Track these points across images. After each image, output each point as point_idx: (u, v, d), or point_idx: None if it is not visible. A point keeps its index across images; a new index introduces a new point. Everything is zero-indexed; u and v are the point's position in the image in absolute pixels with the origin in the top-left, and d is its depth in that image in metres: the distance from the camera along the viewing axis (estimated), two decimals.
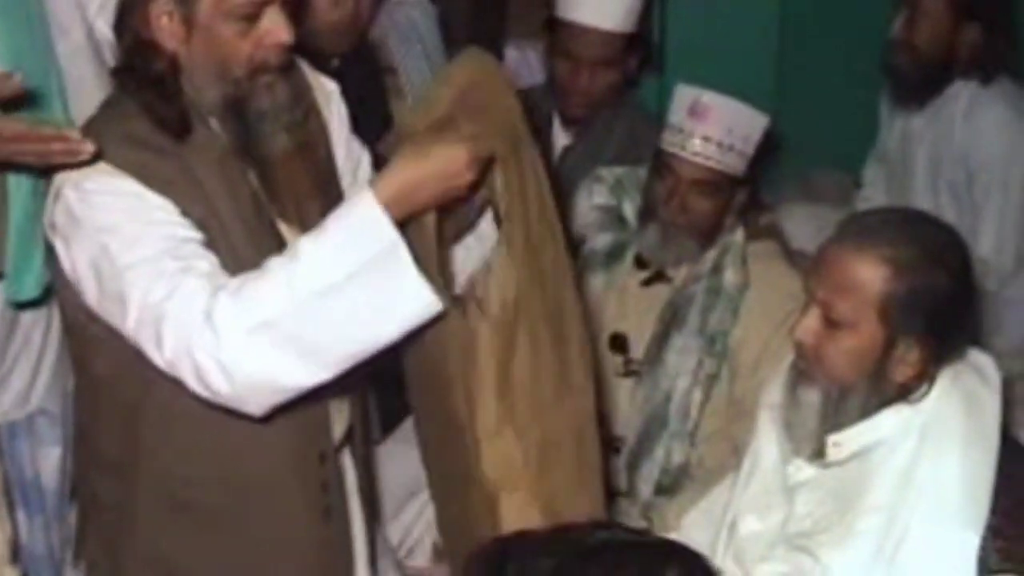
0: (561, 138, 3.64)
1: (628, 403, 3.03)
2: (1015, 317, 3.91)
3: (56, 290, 2.36)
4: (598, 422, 3.02)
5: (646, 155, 3.17)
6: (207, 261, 2.13)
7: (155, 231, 2.11)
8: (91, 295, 2.16)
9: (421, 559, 3.13)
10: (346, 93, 2.47)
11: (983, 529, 2.08)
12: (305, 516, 2.39)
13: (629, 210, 3.14)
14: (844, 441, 2.18)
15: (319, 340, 2.07)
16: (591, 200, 3.19)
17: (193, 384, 2.09)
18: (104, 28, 3.03)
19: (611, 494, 3.09)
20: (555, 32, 3.56)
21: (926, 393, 2.15)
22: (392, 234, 2.06)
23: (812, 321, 2.15)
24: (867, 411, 2.16)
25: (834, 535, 2.16)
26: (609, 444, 3.05)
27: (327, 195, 2.30)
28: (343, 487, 2.49)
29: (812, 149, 4.82)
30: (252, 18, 2.11)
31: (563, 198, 3.46)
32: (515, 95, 2.28)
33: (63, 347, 2.96)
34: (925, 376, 2.14)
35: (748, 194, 3.05)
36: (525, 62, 4.04)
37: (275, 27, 2.12)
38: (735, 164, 2.96)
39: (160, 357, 2.10)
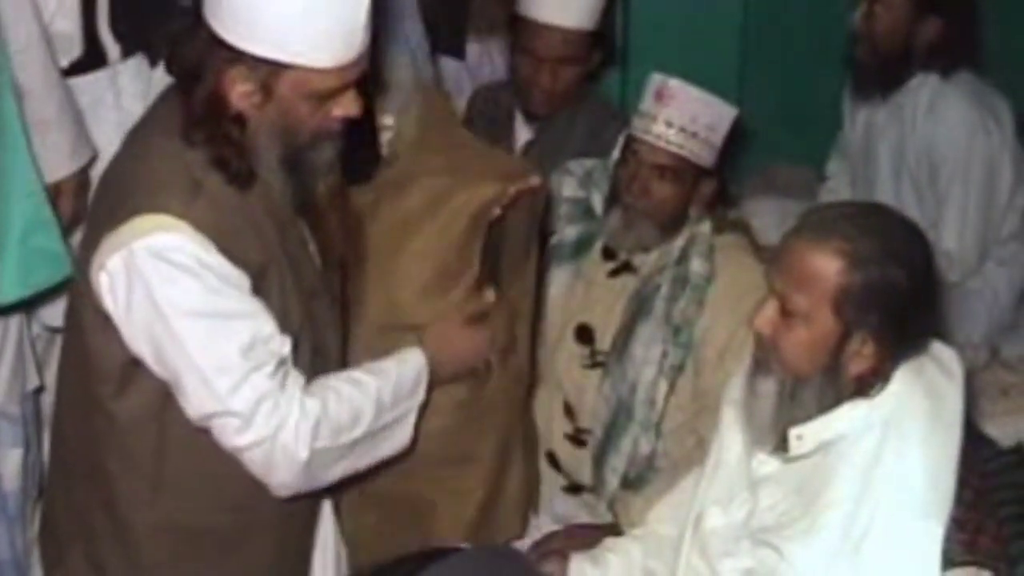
0: (523, 133, 3.63)
1: (595, 395, 3.02)
2: (978, 309, 3.93)
3: (78, 326, 2.34)
4: (565, 413, 3.06)
5: (608, 149, 3.17)
6: (280, 357, 2.27)
7: (235, 325, 2.21)
8: (147, 357, 2.24)
9: None
10: None
11: (947, 520, 2.08)
12: (302, 536, 2.58)
13: (598, 202, 3.13)
14: (806, 435, 2.18)
15: (360, 462, 2.43)
16: (561, 193, 3.18)
17: (253, 470, 2.29)
18: (64, 25, 3.04)
19: (577, 488, 3.10)
20: (517, 29, 3.55)
21: (882, 388, 2.15)
22: (423, 395, 2.50)
23: (770, 312, 2.16)
24: (824, 404, 2.16)
25: (798, 529, 2.16)
26: (576, 437, 3.08)
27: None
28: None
29: (776, 143, 4.83)
30: (327, 99, 2.22)
31: None
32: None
33: (19, 348, 2.95)
34: (881, 371, 2.14)
35: (715, 186, 3.05)
36: (487, 56, 4.02)
37: (347, 103, 2.25)
38: (699, 152, 2.95)
39: (228, 442, 2.25)
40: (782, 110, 4.82)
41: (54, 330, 3.26)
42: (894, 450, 2.12)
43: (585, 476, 3.07)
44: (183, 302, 2.17)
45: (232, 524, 2.42)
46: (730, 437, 2.34)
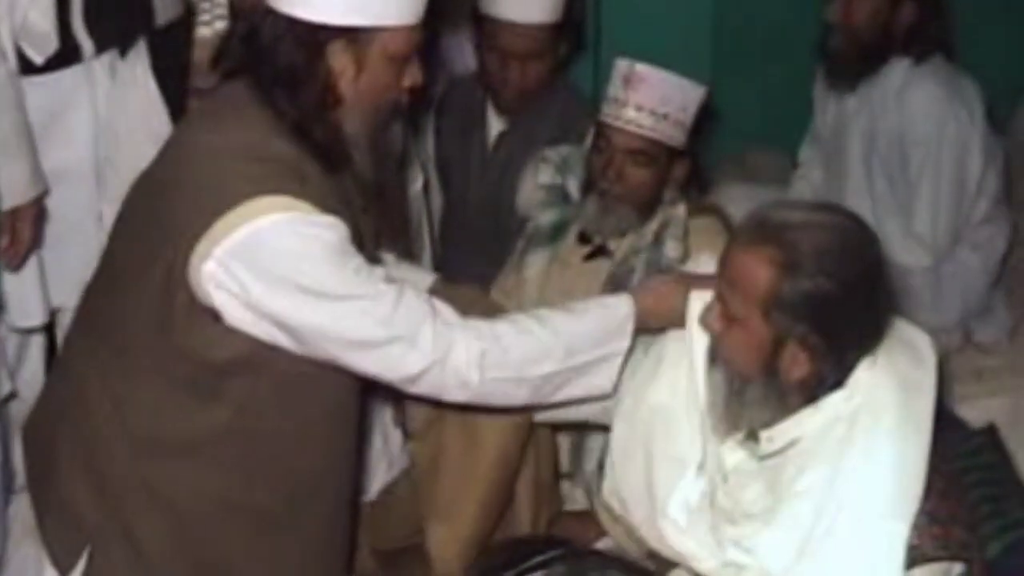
0: (495, 124, 3.63)
1: None
2: (952, 293, 3.95)
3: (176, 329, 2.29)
4: None
5: (580, 137, 3.19)
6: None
7: (370, 267, 2.29)
8: (279, 330, 2.25)
9: None
10: None
11: (914, 517, 2.08)
12: (343, 502, 2.58)
13: (574, 187, 3.15)
14: (776, 436, 2.19)
15: (550, 396, 2.44)
16: (536, 180, 3.20)
17: (420, 392, 2.35)
18: (39, 20, 3.04)
19: (556, 476, 3.11)
20: (482, 28, 3.54)
21: (833, 391, 2.15)
22: (627, 343, 2.44)
23: (715, 311, 2.19)
24: (771, 404, 2.17)
25: (762, 521, 2.17)
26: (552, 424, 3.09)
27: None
28: None
29: (749, 129, 4.84)
30: (406, 61, 2.34)
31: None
32: None
33: None
34: (822, 376, 2.14)
35: (689, 167, 3.06)
36: (459, 48, 4.01)
37: (414, 71, 2.37)
38: (671, 133, 2.97)
39: (399, 373, 2.31)
40: (755, 96, 4.82)
41: (26, 331, 3.27)
42: (863, 447, 2.12)
43: (563, 462, 3.09)
44: (320, 252, 2.21)
45: (277, 500, 2.43)
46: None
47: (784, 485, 2.17)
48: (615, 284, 2.98)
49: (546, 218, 3.16)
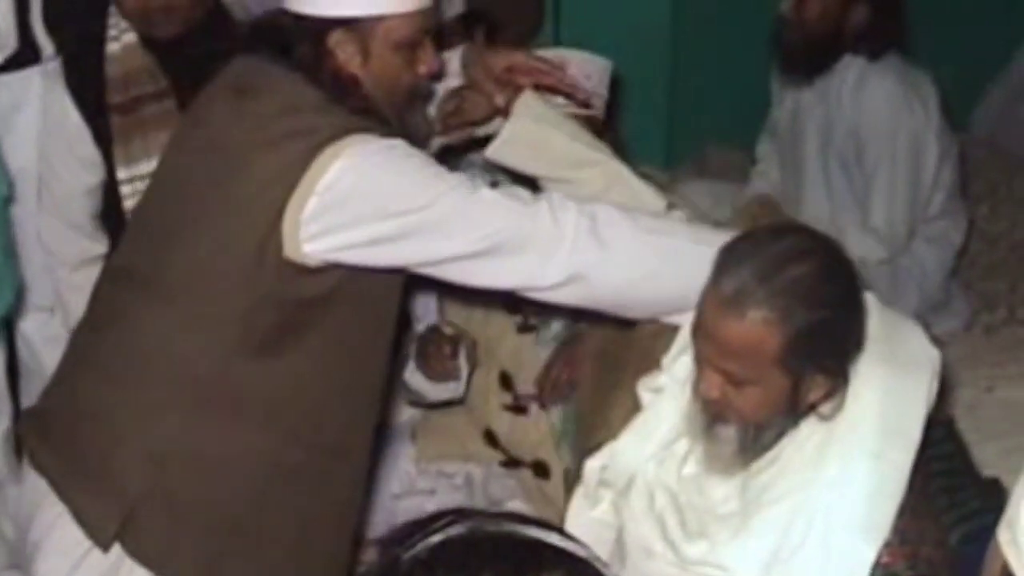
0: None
1: (534, 356, 3.07)
2: (908, 286, 3.98)
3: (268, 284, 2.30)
4: (501, 385, 3.09)
5: None
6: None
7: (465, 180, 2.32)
8: (376, 238, 2.24)
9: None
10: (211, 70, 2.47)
11: (885, 538, 2.07)
12: (363, 470, 2.58)
13: (505, 184, 3.17)
14: (764, 459, 2.17)
15: (646, 309, 2.42)
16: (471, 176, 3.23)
17: (534, 266, 2.29)
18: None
19: (515, 463, 3.14)
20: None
21: (840, 405, 2.13)
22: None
23: (714, 379, 2.12)
24: (785, 430, 2.15)
25: (731, 529, 2.15)
26: (516, 406, 3.14)
27: None
28: None
29: (707, 125, 4.87)
30: (414, 47, 2.37)
31: None
32: None
33: None
34: (836, 390, 2.12)
35: (615, 136, 3.16)
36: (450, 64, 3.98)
37: (429, 58, 2.40)
38: (600, 106, 3.05)
39: (533, 282, 2.30)
40: (714, 93, 4.85)
41: None
42: (840, 461, 2.10)
43: (525, 449, 3.11)
44: (414, 161, 2.27)
45: (316, 460, 2.45)
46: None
47: (756, 491, 2.16)
48: None
49: None
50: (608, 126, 3.12)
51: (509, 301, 3.08)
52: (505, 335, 3.11)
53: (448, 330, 3.12)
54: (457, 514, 1.32)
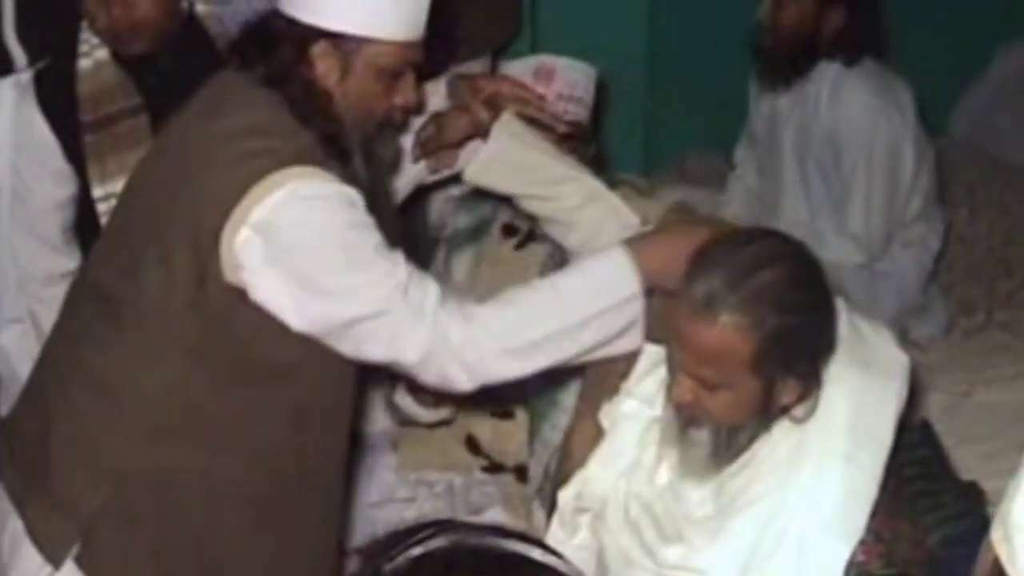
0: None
1: None
2: (887, 290, 3.99)
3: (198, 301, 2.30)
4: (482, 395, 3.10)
5: None
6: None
7: (374, 233, 2.29)
8: (288, 303, 2.25)
9: None
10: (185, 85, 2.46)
11: (860, 537, 2.09)
12: (336, 495, 2.59)
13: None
14: (737, 462, 2.18)
15: (551, 358, 2.38)
16: (446, 193, 3.23)
17: (429, 380, 2.36)
18: None
19: (497, 468, 3.13)
20: None
21: (813, 408, 2.14)
22: (637, 286, 2.36)
23: (687, 384, 2.13)
24: (757, 433, 2.16)
25: (707, 533, 2.16)
26: (502, 412, 3.11)
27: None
28: None
29: (685, 131, 4.87)
30: (396, 77, 2.36)
31: None
32: None
33: None
34: (809, 393, 2.14)
35: (596, 147, 3.15)
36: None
37: (407, 90, 2.40)
38: (584, 114, 3.06)
39: (398, 355, 2.31)
40: (692, 98, 4.85)
41: None
42: (813, 464, 2.12)
43: (508, 455, 3.11)
44: (345, 218, 2.26)
45: (279, 489, 2.45)
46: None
47: (731, 495, 2.16)
48: (557, 261, 3.00)
49: (463, 220, 3.20)
50: (593, 133, 3.12)
51: None
52: None
53: None
54: (439, 526, 1.32)
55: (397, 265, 2.27)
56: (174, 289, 2.27)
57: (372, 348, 2.32)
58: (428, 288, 2.30)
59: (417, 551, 1.32)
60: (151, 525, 2.36)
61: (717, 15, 4.79)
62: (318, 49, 2.31)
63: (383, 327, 2.28)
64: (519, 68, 3.10)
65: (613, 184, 3.18)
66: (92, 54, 2.95)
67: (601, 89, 3.17)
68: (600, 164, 3.24)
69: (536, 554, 1.29)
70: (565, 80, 3.03)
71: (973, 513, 2.42)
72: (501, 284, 3.06)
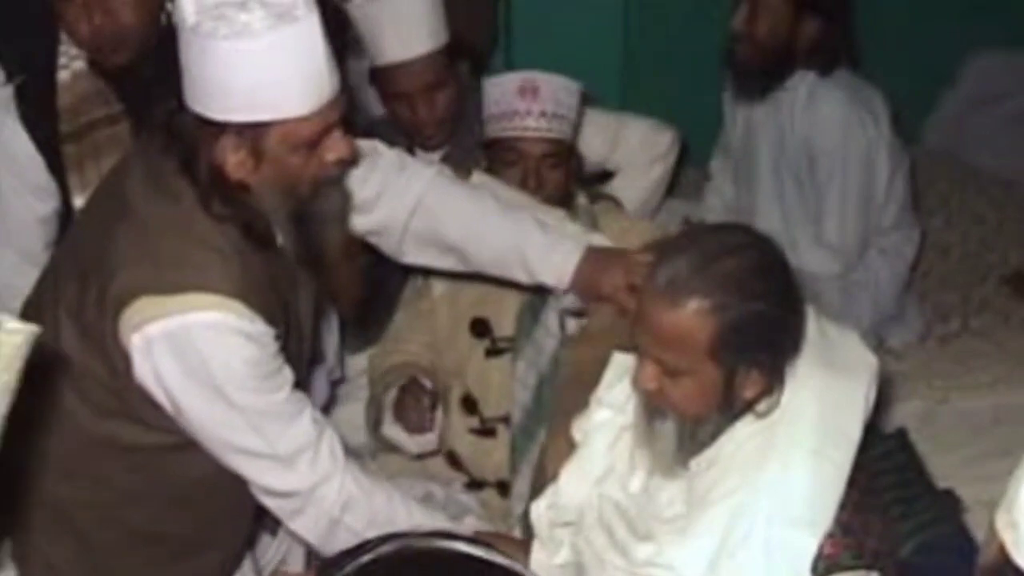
0: (431, 159, 3.60)
1: (504, 381, 3.07)
2: (862, 299, 4.01)
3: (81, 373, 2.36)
4: (464, 408, 3.10)
5: None
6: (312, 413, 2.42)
7: (278, 379, 2.33)
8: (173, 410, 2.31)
9: (294, 566, 3.12)
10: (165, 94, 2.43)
11: (827, 530, 2.10)
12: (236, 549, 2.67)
13: None
14: (703, 459, 2.19)
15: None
16: None
17: (278, 508, 2.43)
18: None
19: (479, 484, 3.14)
20: (378, 80, 3.54)
21: (776, 403, 2.15)
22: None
23: (650, 370, 2.15)
24: (721, 427, 2.17)
25: (677, 530, 2.17)
26: (483, 429, 3.13)
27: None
28: None
29: None
30: (315, 144, 2.23)
31: None
32: None
33: None
34: (771, 387, 2.15)
35: (578, 161, 3.25)
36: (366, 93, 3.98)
37: (337, 146, 2.26)
38: (567, 131, 3.13)
39: (267, 484, 2.38)
40: (667, 109, 4.85)
41: None
42: (780, 458, 2.12)
43: (489, 471, 3.12)
44: (238, 362, 2.26)
45: (194, 529, 2.51)
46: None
47: (700, 493, 2.17)
48: None
49: None
50: (574, 150, 3.19)
51: (477, 326, 3.11)
52: (471, 359, 3.11)
53: (427, 383, 3.14)
54: (388, 535, 1.35)
55: (276, 414, 2.33)
56: (80, 341, 2.31)
57: (234, 468, 2.38)
58: (309, 436, 2.36)
59: (367, 558, 1.34)
60: (67, 567, 2.46)
61: (691, 27, 4.81)
62: (225, 143, 2.19)
63: (243, 463, 2.36)
64: (502, 84, 3.11)
65: (594, 199, 3.21)
66: (70, 66, 2.94)
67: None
68: (581, 179, 3.27)
69: (480, 552, 1.31)
70: (549, 97, 3.08)
71: (948, 520, 2.43)
72: (480, 297, 3.09)
